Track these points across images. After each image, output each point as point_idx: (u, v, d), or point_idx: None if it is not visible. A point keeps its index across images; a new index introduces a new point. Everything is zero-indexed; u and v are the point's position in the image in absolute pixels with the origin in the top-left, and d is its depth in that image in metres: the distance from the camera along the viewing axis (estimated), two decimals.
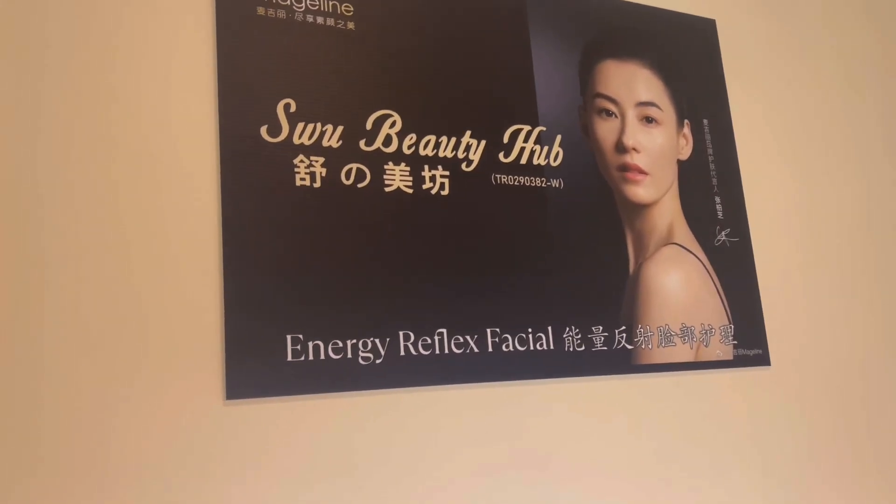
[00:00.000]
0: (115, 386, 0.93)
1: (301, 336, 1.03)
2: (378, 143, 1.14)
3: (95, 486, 0.90)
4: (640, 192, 1.31)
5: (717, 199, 1.40)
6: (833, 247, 1.51)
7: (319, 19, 1.14)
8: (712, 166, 1.41)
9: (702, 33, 1.48)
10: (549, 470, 1.15)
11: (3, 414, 0.88)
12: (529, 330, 1.18)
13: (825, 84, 1.62)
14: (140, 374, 0.95)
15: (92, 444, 0.91)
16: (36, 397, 0.89)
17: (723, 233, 1.38)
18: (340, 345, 1.06)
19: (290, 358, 1.02)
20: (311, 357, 1.03)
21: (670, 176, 1.35)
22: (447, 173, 1.18)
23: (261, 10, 1.10)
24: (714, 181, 1.41)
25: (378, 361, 1.07)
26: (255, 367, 1.00)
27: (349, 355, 1.06)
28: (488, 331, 1.15)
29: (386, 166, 1.14)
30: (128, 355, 0.94)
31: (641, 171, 1.31)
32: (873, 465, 1.43)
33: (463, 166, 1.19)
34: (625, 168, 1.31)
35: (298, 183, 1.07)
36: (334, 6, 1.15)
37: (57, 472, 0.89)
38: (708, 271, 1.34)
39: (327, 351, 1.05)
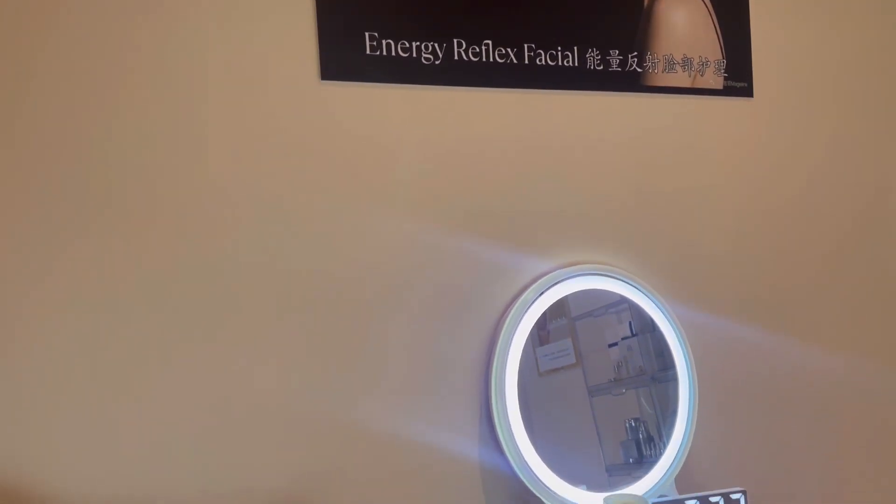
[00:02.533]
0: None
1: (377, 34, 1.25)
2: None
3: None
4: None
5: None
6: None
7: None
8: None
9: None
10: (565, 161, 1.41)
11: None
12: (559, 48, 1.40)
13: None
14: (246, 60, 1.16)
15: None
16: None
17: None
18: (407, 45, 1.27)
19: (368, 52, 1.24)
20: (384, 53, 1.25)
21: None
22: None
23: None
24: None
25: (437, 62, 1.29)
26: (342, 56, 1.22)
27: (414, 55, 1.28)
28: (525, 45, 1.37)
29: None
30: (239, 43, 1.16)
31: None
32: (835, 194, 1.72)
33: None
34: None
35: None
36: None
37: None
38: (709, 10, 1.54)
39: (397, 49, 1.26)
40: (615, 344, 1.46)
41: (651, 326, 1.43)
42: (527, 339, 1.34)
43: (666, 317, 1.43)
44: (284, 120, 1.20)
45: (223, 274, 1.15)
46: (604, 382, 1.44)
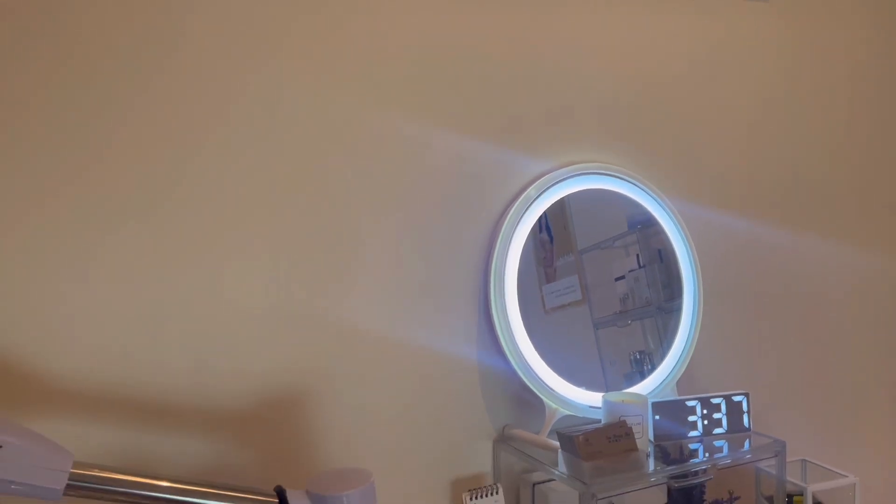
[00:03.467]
0: None
1: None
2: None
3: None
4: None
5: None
6: None
7: None
8: None
9: None
10: (571, 61, 1.37)
11: None
12: None
13: None
14: None
15: None
16: None
17: None
18: None
19: None
20: None
21: None
22: None
23: None
24: None
25: None
26: None
27: None
28: None
29: None
30: None
31: None
32: None
33: None
34: None
35: None
36: None
37: None
38: None
39: None
40: (622, 277, 1.43)
41: (661, 244, 1.41)
42: (535, 270, 1.31)
43: (668, 214, 1.40)
44: (278, 12, 1.15)
45: (224, 168, 1.12)
46: (609, 315, 1.42)
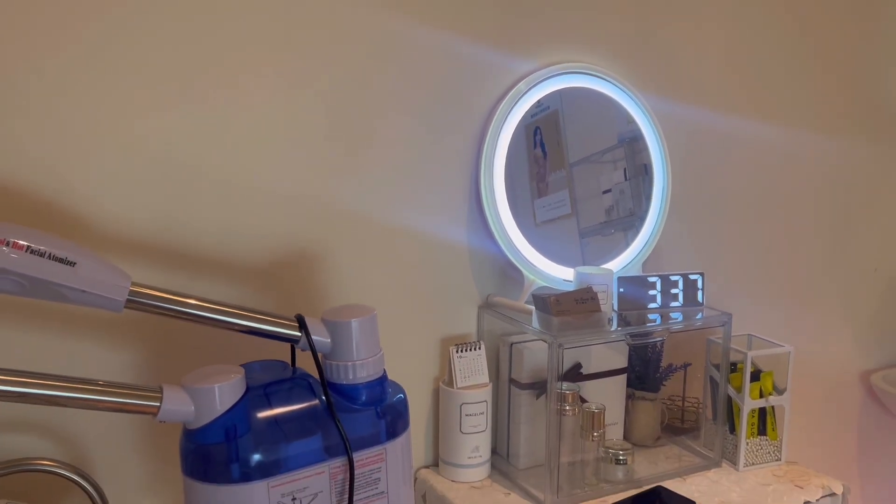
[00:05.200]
0: None
1: None
2: None
3: None
4: None
5: None
6: None
7: None
8: None
9: None
10: None
11: None
12: None
13: None
14: None
15: None
16: None
17: None
18: None
19: None
20: None
21: None
22: None
23: None
24: None
25: None
26: None
27: None
28: None
29: None
30: None
31: None
32: None
33: None
34: None
35: None
36: None
37: None
38: None
39: None
40: (609, 190, 1.59)
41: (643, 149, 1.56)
42: (528, 185, 1.47)
43: (644, 112, 1.55)
44: None
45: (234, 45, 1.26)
46: (595, 225, 1.58)
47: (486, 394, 1.41)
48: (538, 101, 1.48)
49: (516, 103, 1.45)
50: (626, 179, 1.59)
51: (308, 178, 1.33)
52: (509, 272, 1.52)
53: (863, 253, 2.02)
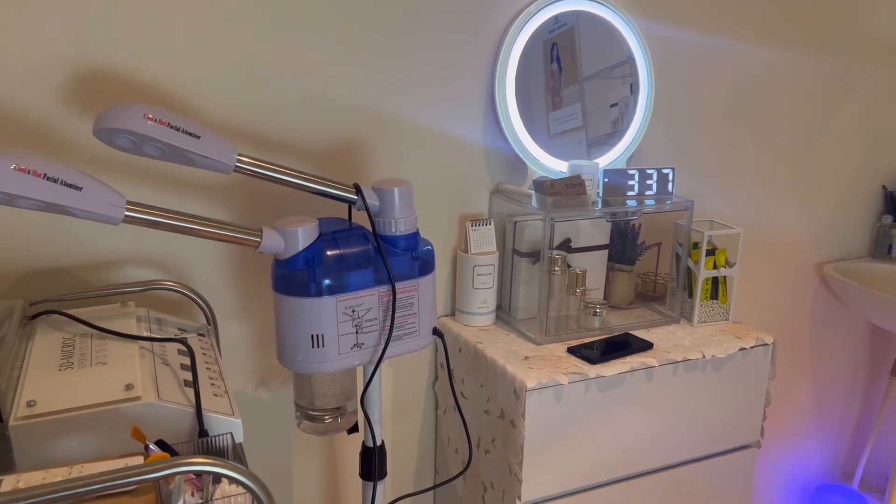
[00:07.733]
0: None
1: None
2: None
3: None
4: None
5: None
6: None
7: None
8: None
9: None
10: None
11: None
12: None
13: None
14: None
15: None
16: None
17: None
18: None
19: None
20: None
21: None
22: None
23: None
24: None
25: None
26: None
27: None
28: None
29: None
30: None
31: None
32: None
33: None
34: None
35: None
36: None
37: None
38: None
39: None
40: (616, 104, 1.89)
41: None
42: (543, 98, 1.78)
43: (632, 30, 1.86)
44: None
45: None
46: (601, 136, 1.89)
47: (493, 259, 1.79)
48: (556, 17, 1.77)
49: (526, 23, 1.76)
50: (631, 94, 1.91)
51: (356, 89, 1.67)
52: (516, 164, 1.87)
53: (824, 160, 2.34)
